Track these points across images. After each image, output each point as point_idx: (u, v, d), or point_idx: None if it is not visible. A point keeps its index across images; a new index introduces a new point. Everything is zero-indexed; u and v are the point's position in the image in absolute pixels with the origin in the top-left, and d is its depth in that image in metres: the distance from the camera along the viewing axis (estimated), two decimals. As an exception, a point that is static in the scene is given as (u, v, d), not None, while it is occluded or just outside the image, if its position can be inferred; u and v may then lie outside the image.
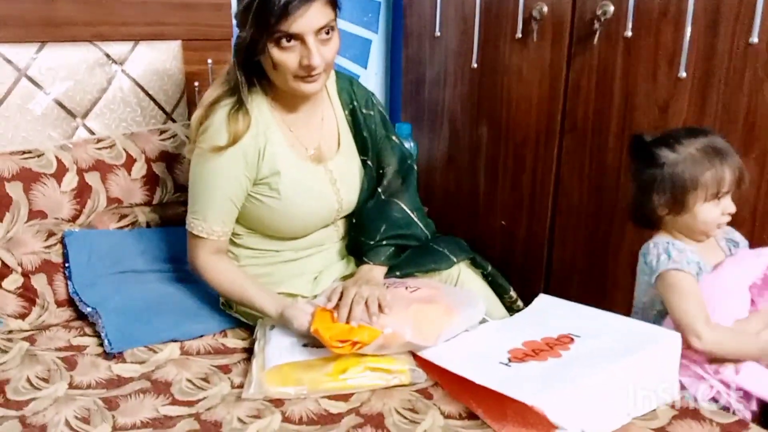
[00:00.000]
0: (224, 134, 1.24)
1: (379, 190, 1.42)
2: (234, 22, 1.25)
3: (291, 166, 1.31)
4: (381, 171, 1.43)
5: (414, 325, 1.15)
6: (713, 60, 1.39)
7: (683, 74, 1.43)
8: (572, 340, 1.13)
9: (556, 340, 1.13)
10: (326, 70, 1.24)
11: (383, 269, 1.37)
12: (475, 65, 1.87)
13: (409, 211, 1.43)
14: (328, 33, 1.20)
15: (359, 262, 1.40)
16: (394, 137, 1.47)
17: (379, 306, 1.16)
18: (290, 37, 1.17)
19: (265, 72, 1.26)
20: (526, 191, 1.83)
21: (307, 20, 1.15)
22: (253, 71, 1.27)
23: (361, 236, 1.40)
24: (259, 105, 1.29)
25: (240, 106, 1.25)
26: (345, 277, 1.40)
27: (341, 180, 1.38)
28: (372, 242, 1.38)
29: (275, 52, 1.18)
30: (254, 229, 1.37)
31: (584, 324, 1.18)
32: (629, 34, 1.50)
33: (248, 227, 1.37)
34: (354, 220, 1.44)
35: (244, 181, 1.29)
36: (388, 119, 1.49)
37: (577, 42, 1.62)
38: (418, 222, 1.44)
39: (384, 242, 1.38)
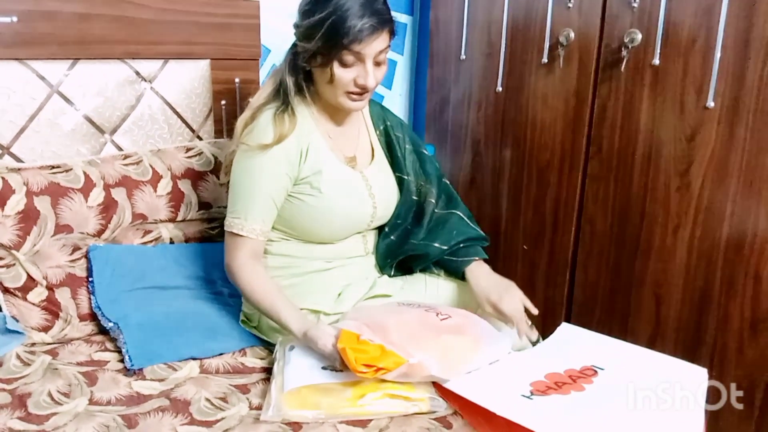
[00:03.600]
0: (270, 133, 1.30)
1: (435, 210, 1.49)
2: (294, 30, 1.31)
3: (332, 167, 1.37)
4: (425, 191, 1.49)
5: (440, 358, 1.14)
6: (742, 90, 1.37)
7: (711, 104, 1.42)
8: (595, 372, 1.11)
9: (579, 373, 1.12)
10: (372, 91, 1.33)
11: (482, 263, 1.44)
12: (500, 89, 1.87)
13: (466, 219, 1.51)
14: (382, 57, 1.29)
15: (434, 269, 1.49)
16: (424, 151, 1.54)
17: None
18: (354, 56, 1.25)
19: (314, 82, 1.34)
20: (549, 216, 1.82)
21: (374, 45, 1.26)
22: (303, 79, 1.35)
23: (434, 243, 1.45)
24: (302, 111, 1.37)
25: (286, 108, 1.33)
26: (368, 299, 1.40)
27: (376, 187, 1.43)
28: (451, 245, 1.44)
29: (337, 68, 1.27)
30: (290, 233, 1.39)
31: (607, 356, 1.16)
32: (657, 62, 1.49)
33: (284, 231, 1.39)
34: (394, 238, 1.48)
35: (285, 180, 1.33)
36: (419, 140, 1.56)
37: (604, 69, 1.61)
38: (474, 226, 1.51)
39: (462, 245, 1.45)
